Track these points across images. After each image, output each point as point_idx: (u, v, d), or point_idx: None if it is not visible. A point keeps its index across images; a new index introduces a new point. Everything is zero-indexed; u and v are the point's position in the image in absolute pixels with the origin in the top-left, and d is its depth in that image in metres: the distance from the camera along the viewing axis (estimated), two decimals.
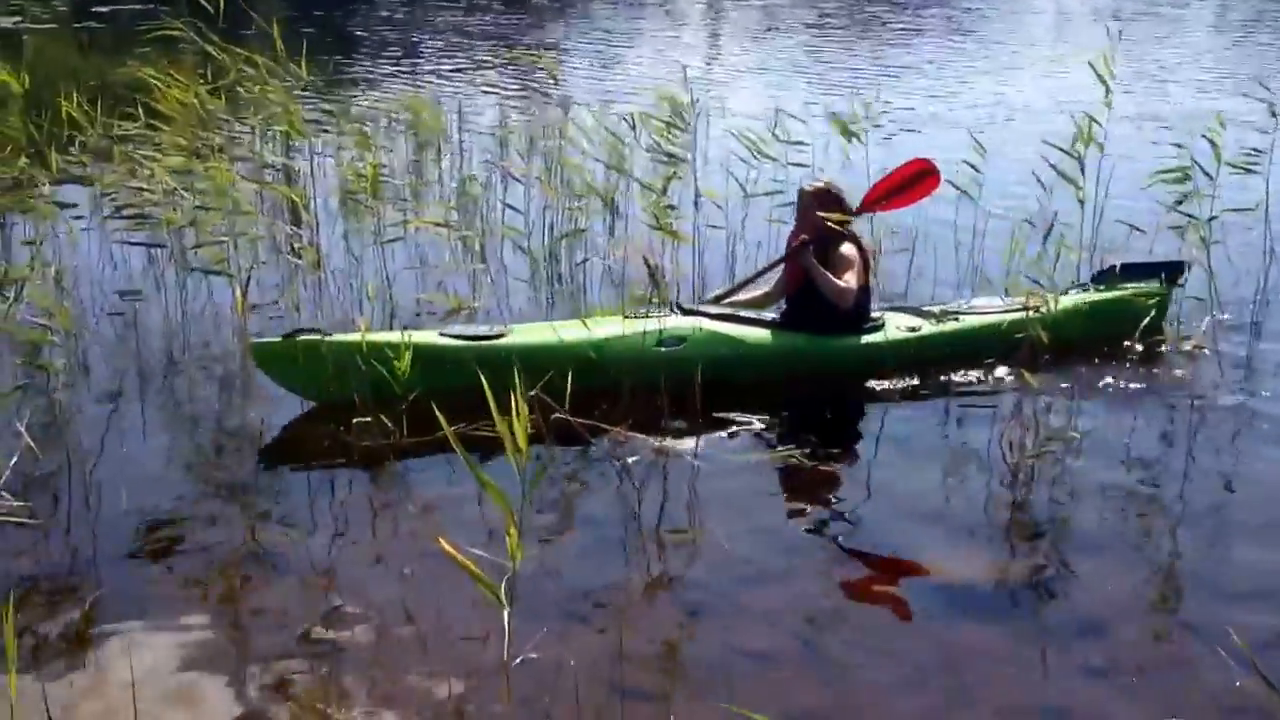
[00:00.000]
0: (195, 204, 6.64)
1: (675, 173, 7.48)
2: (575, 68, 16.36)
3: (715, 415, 5.31)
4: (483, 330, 5.47)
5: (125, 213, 6.91)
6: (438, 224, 7.21)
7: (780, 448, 5.10)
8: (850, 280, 5.69)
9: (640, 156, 8.06)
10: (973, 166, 7.04)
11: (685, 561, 4.26)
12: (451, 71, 16.11)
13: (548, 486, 4.66)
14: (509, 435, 3.34)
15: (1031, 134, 8.61)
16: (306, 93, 11.83)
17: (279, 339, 5.24)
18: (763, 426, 5.33)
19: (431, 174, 9.31)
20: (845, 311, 5.72)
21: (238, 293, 6.38)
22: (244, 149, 8.92)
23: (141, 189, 6.86)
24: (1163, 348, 6.18)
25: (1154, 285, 6.25)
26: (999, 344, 5.75)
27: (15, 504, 4.26)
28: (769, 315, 5.91)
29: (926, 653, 3.71)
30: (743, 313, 5.85)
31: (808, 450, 5.04)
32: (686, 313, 5.74)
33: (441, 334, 5.37)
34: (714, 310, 5.81)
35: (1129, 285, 6.25)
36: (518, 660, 3.48)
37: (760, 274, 6.19)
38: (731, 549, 4.27)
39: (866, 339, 5.79)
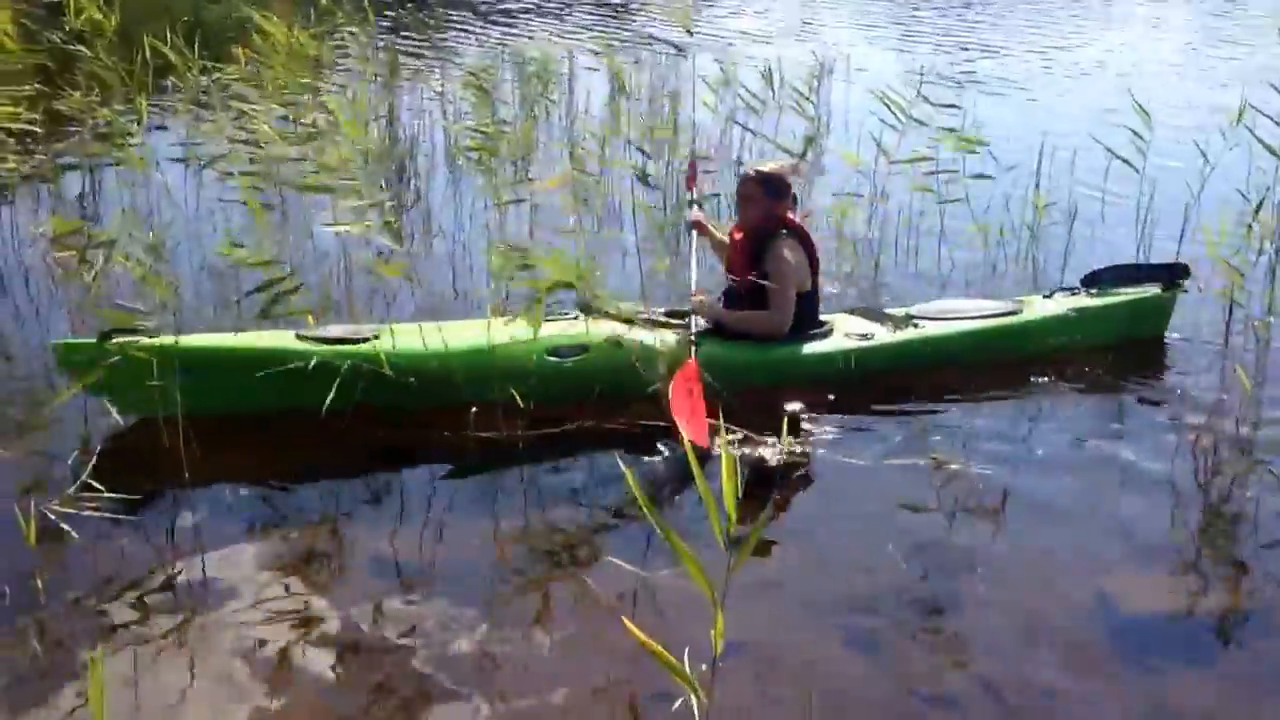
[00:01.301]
0: (304, 164, 6.10)
1: (815, 135, 6.89)
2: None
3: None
4: (347, 333, 4.55)
5: (224, 165, 6.40)
6: (561, 184, 6.60)
7: (912, 455, 4.42)
8: (781, 303, 4.87)
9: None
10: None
11: (852, 594, 3.64)
12: (566, 21, 15.52)
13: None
14: (712, 501, 2.52)
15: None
16: (410, 41, 11.39)
17: (87, 340, 4.29)
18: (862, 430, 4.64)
19: (544, 131, 8.73)
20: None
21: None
22: (346, 97, 8.40)
23: (243, 141, 6.35)
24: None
25: (1153, 290, 5.54)
26: (963, 356, 5.07)
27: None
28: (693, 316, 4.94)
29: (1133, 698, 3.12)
30: (658, 313, 4.94)
31: (953, 463, 4.36)
32: (596, 315, 4.76)
33: (299, 335, 4.50)
34: (624, 313, 4.78)
35: (1123, 290, 5.53)
36: None
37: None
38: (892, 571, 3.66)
39: (807, 348, 4.96)
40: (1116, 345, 5.38)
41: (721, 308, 4.93)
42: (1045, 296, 5.49)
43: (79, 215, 6.62)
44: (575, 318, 4.76)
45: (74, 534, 3.60)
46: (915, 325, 5.12)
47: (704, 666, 2.63)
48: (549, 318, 4.64)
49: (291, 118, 6.49)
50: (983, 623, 3.44)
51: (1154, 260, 6.17)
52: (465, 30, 14.28)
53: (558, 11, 16.77)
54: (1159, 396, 5.09)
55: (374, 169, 7.39)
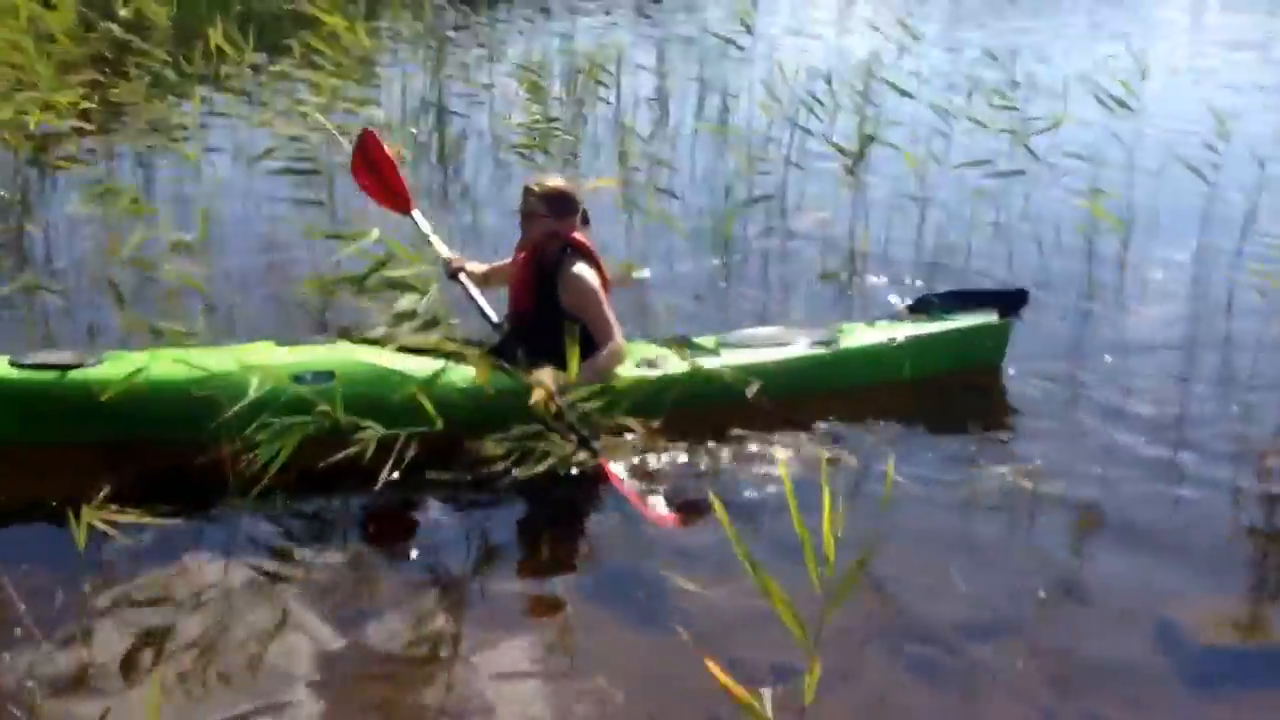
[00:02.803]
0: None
1: (872, 134, 6.81)
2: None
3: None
4: (61, 359, 4.02)
5: (276, 156, 6.38)
6: (614, 183, 6.53)
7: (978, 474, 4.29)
8: (606, 328, 4.35)
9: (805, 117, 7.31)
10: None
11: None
12: (615, 16, 15.45)
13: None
14: (808, 537, 2.32)
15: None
16: (458, 34, 11.37)
17: None
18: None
19: (592, 127, 8.67)
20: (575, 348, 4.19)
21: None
22: (395, 89, 8.38)
23: (296, 135, 6.34)
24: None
25: (987, 317, 5.13)
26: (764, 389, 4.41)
27: None
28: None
29: None
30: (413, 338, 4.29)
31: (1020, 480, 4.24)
32: (357, 340, 4.33)
33: (13, 362, 3.99)
34: (377, 336, 4.31)
35: (954, 316, 5.13)
36: None
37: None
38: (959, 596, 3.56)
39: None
40: (946, 377, 5.02)
41: (566, 375, 4.13)
42: (868, 324, 5.08)
43: (130, 207, 6.62)
44: (331, 341, 4.29)
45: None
46: (716, 354, 4.56)
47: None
48: (297, 341, 4.24)
49: (345, 110, 6.45)
50: (1060, 652, 3.34)
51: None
52: (514, 23, 14.25)
53: (609, 6, 16.70)
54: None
55: (420, 163, 7.38)
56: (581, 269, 4.37)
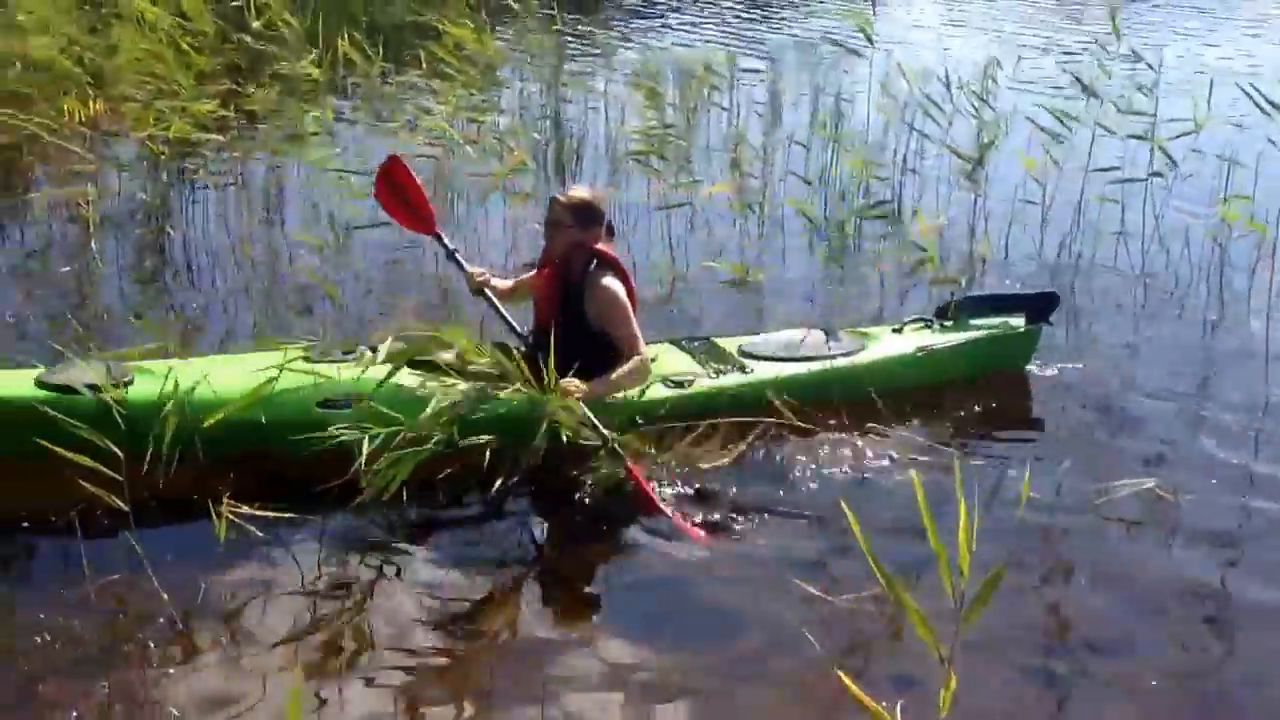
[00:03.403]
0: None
1: (993, 140, 6.74)
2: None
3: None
4: (100, 375, 3.83)
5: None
6: (727, 189, 6.58)
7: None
8: (633, 344, 4.27)
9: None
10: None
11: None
12: (731, 22, 15.49)
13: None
14: (942, 551, 2.22)
15: None
16: (580, 42, 11.51)
17: None
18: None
19: (704, 133, 8.71)
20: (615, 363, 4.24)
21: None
22: (516, 98, 8.53)
23: (419, 143, 6.50)
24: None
25: (1015, 322, 5.05)
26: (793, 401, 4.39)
27: None
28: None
29: None
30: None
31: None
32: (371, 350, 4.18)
33: (40, 381, 3.87)
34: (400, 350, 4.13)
35: (983, 322, 5.04)
36: None
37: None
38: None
39: (614, 398, 4.26)
40: (972, 382, 4.94)
41: (586, 386, 4.11)
42: (895, 330, 5.02)
43: (263, 212, 6.88)
44: (358, 358, 4.14)
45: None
46: (742, 367, 4.58)
47: None
48: (324, 359, 4.12)
49: (468, 119, 6.60)
50: (1196, 673, 3.29)
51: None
52: (627, 29, 14.38)
53: (722, 12, 16.73)
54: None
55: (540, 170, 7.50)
56: (609, 281, 4.30)
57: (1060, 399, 4.97)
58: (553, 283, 4.38)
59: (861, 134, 7.81)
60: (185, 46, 6.88)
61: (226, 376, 3.92)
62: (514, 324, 4.42)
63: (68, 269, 5.91)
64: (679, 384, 4.40)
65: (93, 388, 3.76)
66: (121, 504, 3.28)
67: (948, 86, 7.10)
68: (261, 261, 6.14)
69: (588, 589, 3.71)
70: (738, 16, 16.36)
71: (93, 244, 6.06)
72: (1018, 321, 5.05)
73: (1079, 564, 3.78)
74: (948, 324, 5.03)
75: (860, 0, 14.00)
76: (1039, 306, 5.09)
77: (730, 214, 7.08)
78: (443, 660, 3.26)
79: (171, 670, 3.10)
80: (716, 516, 3.92)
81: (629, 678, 3.16)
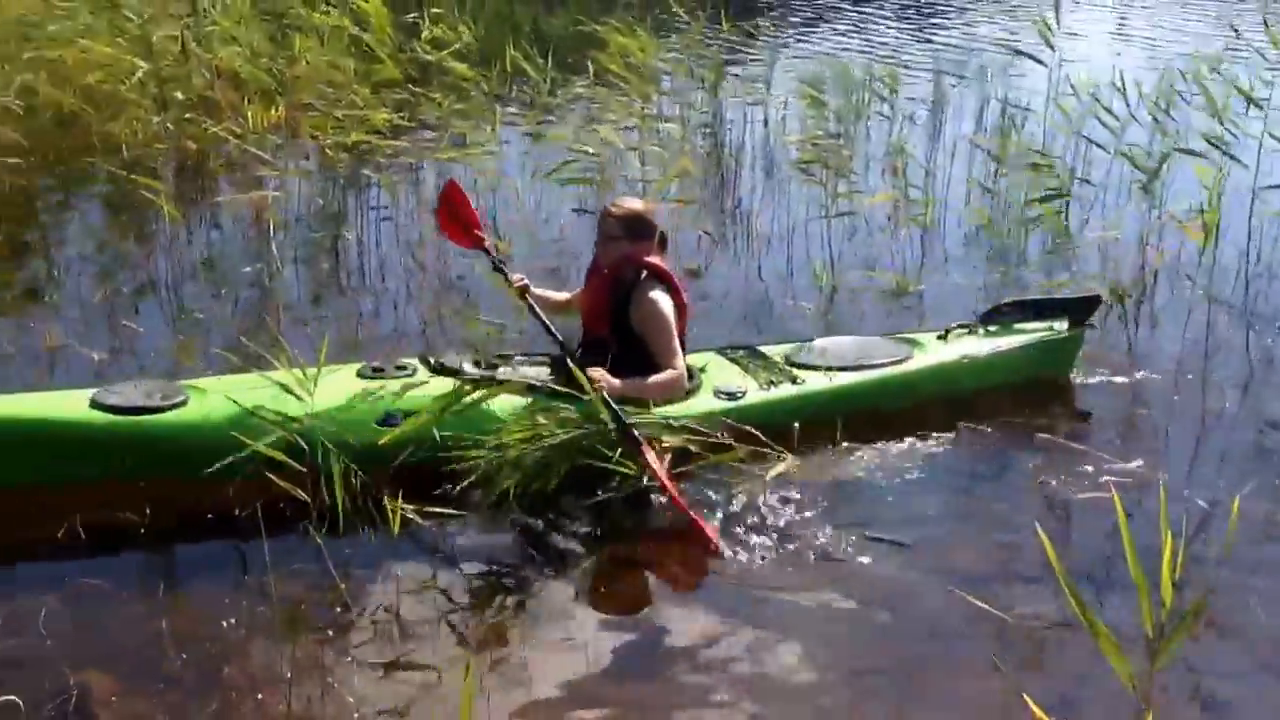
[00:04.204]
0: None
1: (1170, 150, 6.52)
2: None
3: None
4: (149, 396, 3.85)
5: (565, 171, 6.67)
6: (889, 198, 6.52)
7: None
8: (670, 357, 4.25)
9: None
10: None
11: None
12: (896, 29, 15.33)
13: None
14: (1143, 580, 2.13)
15: None
16: (740, 49, 11.54)
17: None
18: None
19: (866, 141, 8.65)
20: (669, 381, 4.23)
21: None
22: (678, 106, 8.60)
23: (585, 151, 6.61)
24: None
25: (1057, 326, 5.03)
26: (845, 411, 4.45)
27: None
28: (542, 371, 4.30)
29: None
30: (515, 369, 4.26)
31: None
32: (439, 371, 4.21)
33: (95, 402, 3.82)
34: (474, 371, 4.19)
35: (1026, 326, 5.03)
36: None
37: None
38: None
39: (670, 411, 4.18)
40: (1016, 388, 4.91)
41: (617, 381, 4.11)
42: (940, 337, 4.94)
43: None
44: (412, 373, 4.17)
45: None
46: (793, 377, 4.53)
47: None
48: (381, 375, 4.13)
49: (631, 126, 6.69)
50: None
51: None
52: (787, 38, 14.34)
53: (889, 18, 16.55)
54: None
55: (698, 179, 7.55)
56: (657, 293, 4.28)
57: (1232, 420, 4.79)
58: (602, 294, 4.39)
59: (1031, 143, 7.62)
60: (364, 54, 7.12)
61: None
62: (554, 330, 4.32)
63: (249, 269, 6.19)
64: (731, 395, 4.37)
65: (143, 409, 3.76)
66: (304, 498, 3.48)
67: (1124, 95, 6.89)
68: (431, 267, 6.32)
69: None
70: (900, 21, 16.17)
71: (272, 246, 6.33)
72: (1061, 325, 5.03)
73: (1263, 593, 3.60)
74: (992, 329, 5.02)
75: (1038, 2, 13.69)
76: (1081, 309, 5.06)
77: (891, 222, 7.02)
78: (609, 661, 3.30)
79: (348, 657, 3.23)
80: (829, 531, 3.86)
81: (813, 693, 3.17)
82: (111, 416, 3.77)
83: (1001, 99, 8.72)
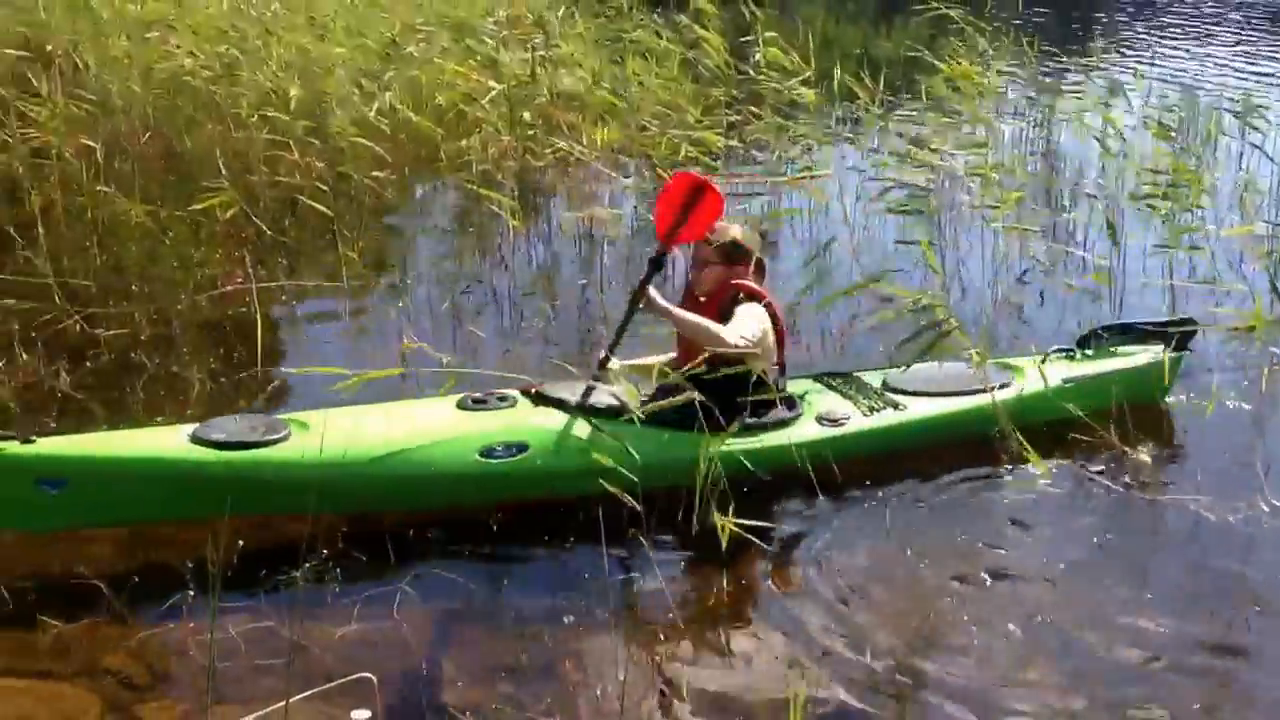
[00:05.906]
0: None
1: None
2: None
3: None
4: (251, 431, 3.82)
5: (891, 198, 6.64)
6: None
7: None
8: (742, 325, 4.16)
9: None
10: None
11: None
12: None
13: None
14: None
15: None
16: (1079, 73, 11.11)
17: None
18: None
19: (1213, 172, 8.11)
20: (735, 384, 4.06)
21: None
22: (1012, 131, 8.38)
23: (912, 177, 6.56)
24: None
25: (1154, 351, 4.96)
26: (945, 438, 4.53)
27: None
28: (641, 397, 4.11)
29: None
30: (617, 395, 4.10)
31: None
32: (540, 402, 4.15)
33: (194, 438, 3.76)
34: (574, 399, 4.11)
35: (1125, 350, 5.02)
36: None
37: (625, 325, 4.34)
38: None
39: (770, 438, 4.25)
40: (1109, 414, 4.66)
41: (669, 306, 4.23)
42: (1040, 361, 4.81)
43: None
44: (513, 404, 4.13)
45: None
46: (894, 403, 4.56)
47: None
48: (481, 407, 4.08)
49: (964, 151, 6.59)
50: None
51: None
52: (1125, 61, 13.67)
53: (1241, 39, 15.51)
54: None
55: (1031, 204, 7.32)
56: (754, 307, 4.27)
57: None
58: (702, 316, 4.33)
59: None
60: (698, 76, 7.28)
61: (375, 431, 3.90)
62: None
63: (584, 281, 6.48)
64: (835, 422, 4.40)
65: (247, 444, 3.75)
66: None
67: None
68: None
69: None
70: (1252, 41, 15.09)
71: (602, 260, 6.60)
72: (1157, 349, 4.97)
73: None
74: (1089, 353, 5.01)
75: None
76: (1179, 335, 5.00)
77: (1242, 259, 6.58)
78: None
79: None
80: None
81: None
82: (218, 452, 3.73)
83: None
